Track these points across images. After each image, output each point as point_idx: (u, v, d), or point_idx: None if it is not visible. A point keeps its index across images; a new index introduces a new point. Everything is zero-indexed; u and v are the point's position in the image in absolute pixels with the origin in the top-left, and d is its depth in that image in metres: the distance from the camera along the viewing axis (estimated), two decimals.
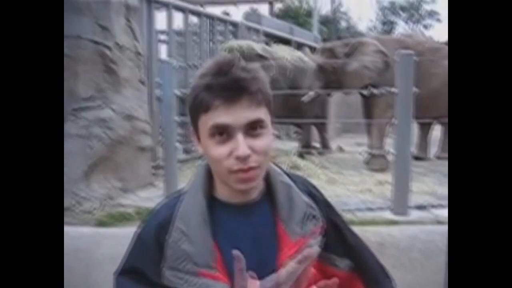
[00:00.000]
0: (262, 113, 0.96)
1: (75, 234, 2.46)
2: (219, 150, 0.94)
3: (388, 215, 3.28)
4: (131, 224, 3.08)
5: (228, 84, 0.92)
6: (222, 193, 1.04)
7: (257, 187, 1.03)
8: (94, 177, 3.58)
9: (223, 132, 0.93)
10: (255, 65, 1.00)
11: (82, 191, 3.47)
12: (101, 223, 3.14)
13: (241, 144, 0.92)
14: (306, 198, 1.06)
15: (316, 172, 4.82)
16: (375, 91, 3.64)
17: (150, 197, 3.78)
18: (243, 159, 0.92)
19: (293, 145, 6.51)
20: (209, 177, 1.05)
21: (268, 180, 1.05)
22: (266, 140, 0.96)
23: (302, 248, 0.99)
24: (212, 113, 0.93)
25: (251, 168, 0.94)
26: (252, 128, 0.94)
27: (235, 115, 0.92)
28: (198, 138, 1.00)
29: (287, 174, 1.10)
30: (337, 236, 1.10)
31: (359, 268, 1.12)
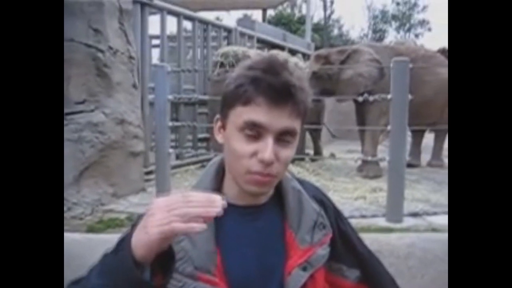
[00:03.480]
0: (297, 124, 0.92)
1: (66, 240, 2.39)
2: (244, 147, 0.90)
3: (382, 222, 3.26)
4: (122, 231, 3.02)
5: (277, 85, 0.88)
6: (229, 193, 0.99)
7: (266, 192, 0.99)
8: (85, 182, 3.53)
9: (254, 130, 0.89)
10: (302, 74, 0.96)
11: (72, 196, 3.41)
12: (92, 229, 3.08)
13: (269, 148, 0.88)
14: (316, 206, 1.03)
15: (309, 179, 4.80)
16: (370, 97, 3.63)
17: (142, 203, 3.73)
18: (266, 164, 0.89)
19: None
20: (218, 175, 1.01)
21: (278, 184, 1.01)
22: (291, 151, 0.93)
23: (310, 257, 0.96)
24: (251, 108, 0.89)
25: (269, 175, 0.90)
26: (283, 136, 0.90)
27: (274, 118, 0.88)
28: (223, 127, 0.96)
29: (298, 180, 1.07)
30: (346, 246, 1.07)
31: (369, 279, 1.08)
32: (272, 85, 0.88)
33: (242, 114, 0.89)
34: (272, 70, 0.89)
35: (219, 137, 0.98)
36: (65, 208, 3.34)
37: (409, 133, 5.88)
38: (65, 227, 3.08)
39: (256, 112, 0.88)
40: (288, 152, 0.92)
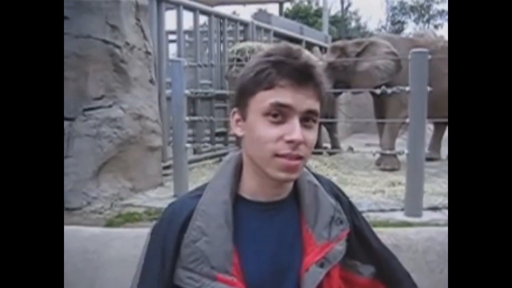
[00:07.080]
0: (318, 106, 0.93)
1: (84, 235, 2.43)
2: (270, 131, 0.89)
3: (401, 216, 3.23)
4: (140, 225, 3.06)
5: (299, 67, 0.90)
6: (249, 189, 0.98)
7: (287, 186, 0.98)
8: (104, 177, 3.57)
9: (278, 114, 0.89)
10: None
11: (92, 191, 3.46)
12: (110, 223, 3.12)
13: (297, 128, 0.88)
14: (333, 201, 1.01)
15: (327, 173, 4.78)
16: (387, 90, 3.58)
17: (160, 197, 3.77)
18: (295, 144, 0.88)
19: None
20: (236, 171, 0.99)
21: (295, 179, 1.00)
22: (314, 134, 0.93)
23: (328, 253, 0.95)
24: (275, 91, 0.89)
25: (297, 157, 0.89)
26: (306, 119, 0.91)
27: (299, 99, 0.89)
28: (243, 117, 0.95)
29: (314, 175, 1.05)
30: (361, 242, 1.05)
31: (384, 276, 1.07)
32: (295, 67, 0.89)
33: (265, 98, 0.90)
34: (292, 54, 0.91)
35: (237, 130, 0.97)
36: (84, 203, 3.39)
37: (430, 126, 5.81)
38: (84, 221, 3.13)
39: (282, 94, 0.89)
40: (312, 135, 0.92)
